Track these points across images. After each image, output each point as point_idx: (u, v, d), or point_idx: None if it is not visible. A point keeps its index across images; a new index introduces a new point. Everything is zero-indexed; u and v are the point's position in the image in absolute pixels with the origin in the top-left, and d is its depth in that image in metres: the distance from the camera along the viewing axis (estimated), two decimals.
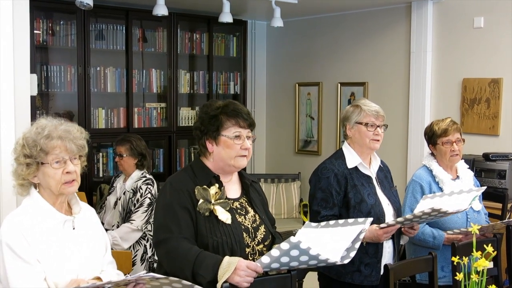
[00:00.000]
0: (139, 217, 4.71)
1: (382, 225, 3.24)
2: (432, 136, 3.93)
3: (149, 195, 4.76)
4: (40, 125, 2.43)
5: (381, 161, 3.61)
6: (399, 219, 3.25)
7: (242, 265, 2.51)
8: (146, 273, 2.20)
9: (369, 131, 3.40)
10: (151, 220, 4.78)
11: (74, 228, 2.49)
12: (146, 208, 4.73)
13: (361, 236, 2.80)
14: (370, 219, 2.89)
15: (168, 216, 2.67)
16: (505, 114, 5.69)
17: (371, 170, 3.49)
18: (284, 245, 2.45)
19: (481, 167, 5.37)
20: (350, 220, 2.91)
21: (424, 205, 3.35)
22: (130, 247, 4.73)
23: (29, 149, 2.38)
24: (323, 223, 2.92)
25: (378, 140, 3.44)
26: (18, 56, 3.60)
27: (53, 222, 2.42)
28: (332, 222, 2.91)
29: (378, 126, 3.42)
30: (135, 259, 4.70)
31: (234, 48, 7.55)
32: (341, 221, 2.90)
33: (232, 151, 2.74)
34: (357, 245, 2.77)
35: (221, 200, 2.73)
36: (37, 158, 2.38)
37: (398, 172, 6.25)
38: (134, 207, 4.74)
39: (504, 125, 5.70)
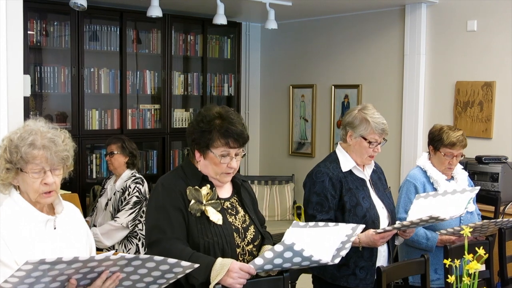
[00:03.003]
0: (123, 215, 4.72)
1: (379, 231, 3.24)
2: (437, 141, 3.90)
3: (136, 194, 4.77)
4: (26, 130, 2.38)
5: (375, 163, 3.61)
6: (396, 225, 3.25)
7: (235, 267, 2.51)
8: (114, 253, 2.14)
9: (370, 148, 3.38)
10: (142, 219, 4.80)
11: (55, 228, 2.44)
12: (131, 206, 4.74)
13: (352, 239, 2.80)
14: (362, 226, 2.89)
15: (160, 217, 2.67)
16: (498, 117, 5.71)
17: (365, 173, 3.49)
18: (278, 247, 2.45)
19: (474, 170, 5.38)
20: (341, 224, 2.90)
21: (418, 206, 3.35)
22: (121, 245, 4.74)
23: (10, 154, 2.33)
24: (311, 223, 2.90)
25: (374, 156, 3.44)
26: (11, 57, 3.58)
27: (34, 222, 2.39)
28: (321, 223, 2.90)
29: (379, 143, 3.41)
30: None
31: (228, 50, 7.56)
32: (331, 224, 2.90)
33: (218, 169, 2.74)
34: (348, 245, 2.77)
35: (213, 201, 2.73)
36: (17, 165, 2.33)
37: (392, 174, 6.26)
38: (121, 204, 4.76)
39: (497, 128, 5.72)
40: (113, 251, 2.20)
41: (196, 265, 2.35)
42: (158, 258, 2.16)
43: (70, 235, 2.51)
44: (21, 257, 2.28)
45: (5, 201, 2.43)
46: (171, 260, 2.19)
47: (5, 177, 2.36)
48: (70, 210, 2.59)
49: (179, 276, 2.31)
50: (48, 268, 1.98)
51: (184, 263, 2.24)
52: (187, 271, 2.31)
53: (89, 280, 2.17)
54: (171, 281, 2.32)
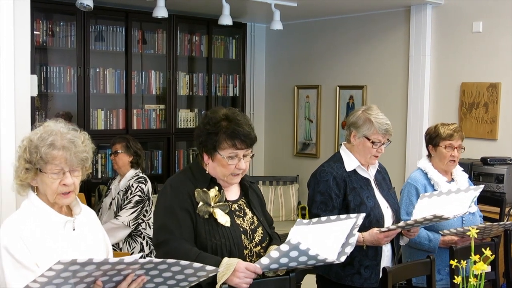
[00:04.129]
0: (124, 213, 4.74)
1: (383, 229, 3.25)
2: (435, 137, 3.93)
3: (138, 193, 4.78)
4: (46, 130, 2.38)
5: (379, 163, 3.62)
6: (400, 223, 3.26)
7: (241, 267, 2.53)
8: (142, 256, 2.15)
9: (373, 148, 3.39)
10: (146, 218, 4.82)
11: (74, 229, 2.46)
12: (133, 205, 4.76)
13: (355, 232, 2.81)
14: (363, 215, 2.90)
15: (168, 217, 2.68)
16: (503, 119, 5.70)
17: (369, 173, 3.50)
18: (284, 247, 2.46)
19: (479, 171, 5.38)
20: (342, 216, 2.91)
21: (422, 206, 3.36)
22: (125, 244, 4.76)
23: (30, 154, 2.34)
24: (314, 220, 2.91)
25: (377, 157, 3.45)
26: (19, 57, 3.59)
27: (53, 223, 2.40)
28: (324, 218, 2.91)
29: (383, 144, 3.42)
30: None
31: (233, 51, 7.57)
32: (333, 217, 2.91)
33: (226, 170, 2.74)
34: (352, 240, 2.78)
35: (221, 203, 2.74)
36: (36, 165, 2.34)
37: (396, 175, 6.26)
38: (123, 203, 4.77)
39: (502, 130, 5.71)
40: (140, 254, 2.19)
41: (220, 270, 2.38)
42: (184, 262, 2.17)
43: (89, 237, 2.52)
44: (41, 259, 2.30)
45: (23, 203, 2.44)
46: (196, 265, 2.20)
47: (24, 177, 2.37)
48: (87, 212, 2.60)
49: (201, 280, 2.32)
50: (78, 269, 1.99)
51: (209, 267, 2.25)
52: (210, 275, 2.32)
53: (114, 283, 2.18)
54: (192, 284, 2.33)
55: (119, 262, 2.07)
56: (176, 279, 2.25)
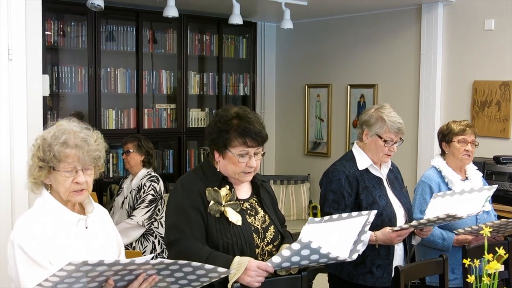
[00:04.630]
0: (139, 213, 4.75)
1: (396, 228, 3.24)
2: (448, 134, 3.92)
3: (152, 192, 4.79)
4: (60, 129, 2.41)
5: (391, 162, 3.60)
6: (413, 223, 3.25)
7: (252, 265, 2.52)
8: (153, 258, 2.16)
9: (386, 147, 3.38)
10: (158, 217, 4.82)
11: (87, 227, 2.47)
12: (147, 204, 4.77)
13: (367, 229, 2.79)
14: (375, 212, 2.89)
15: (179, 217, 2.68)
16: None
17: (381, 172, 3.49)
18: (295, 245, 2.46)
19: (492, 170, 5.35)
20: (354, 213, 2.90)
21: (435, 206, 3.35)
22: (138, 243, 4.77)
23: (43, 153, 2.36)
24: (326, 218, 2.91)
25: (390, 155, 3.44)
26: (31, 57, 3.61)
27: (66, 221, 2.42)
28: (335, 216, 2.90)
29: (395, 142, 3.41)
30: (145, 256, 4.72)
31: (243, 50, 7.56)
32: (344, 215, 2.90)
33: (237, 168, 2.73)
34: (364, 237, 2.76)
35: (232, 202, 2.74)
36: (50, 163, 2.36)
37: (408, 174, 6.23)
38: (137, 202, 4.78)
39: None
40: (152, 255, 2.21)
41: (233, 271, 2.38)
42: (195, 263, 2.18)
43: (101, 235, 2.54)
44: (54, 257, 2.32)
45: (36, 201, 2.46)
46: (208, 266, 2.21)
47: (38, 175, 2.39)
48: (99, 211, 2.62)
49: (213, 280, 2.33)
50: (89, 269, 2.00)
51: (221, 269, 2.26)
52: (222, 276, 2.33)
53: (126, 282, 2.19)
54: (204, 284, 2.33)
55: (130, 263, 2.08)
56: (188, 279, 2.26)
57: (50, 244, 2.33)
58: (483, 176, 4.16)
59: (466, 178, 3.98)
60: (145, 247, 4.79)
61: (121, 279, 2.16)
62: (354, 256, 2.68)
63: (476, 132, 3.97)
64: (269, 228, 2.82)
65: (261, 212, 2.85)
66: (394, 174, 3.61)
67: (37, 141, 2.42)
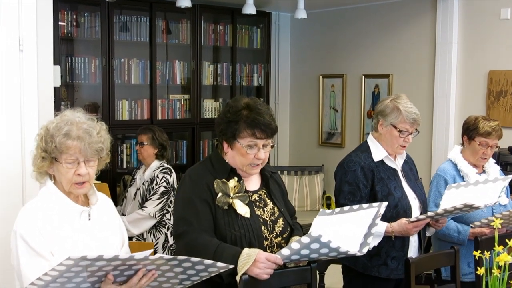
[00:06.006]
0: (151, 204, 4.77)
1: (412, 219, 3.22)
2: (472, 130, 3.84)
3: (164, 184, 4.81)
4: (63, 120, 2.41)
5: (406, 154, 3.58)
6: (430, 213, 3.23)
7: (261, 257, 2.51)
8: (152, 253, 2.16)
9: (400, 138, 3.36)
10: (170, 209, 4.84)
11: (90, 219, 2.48)
12: (159, 196, 4.78)
13: (377, 221, 2.77)
14: (385, 203, 2.86)
15: (187, 209, 2.67)
16: None
17: (396, 163, 3.47)
18: (305, 239, 2.44)
19: (507, 160, 5.28)
20: (365, 205, 2.88)
21: (450, 197, 3.31)
22: (150, 234, 4.79)
23: (45, 143, 2.37)
24: (337, 210, 2.89)
25: (405, 146, 3.41)
26: (42, 48, 3.60)
27: (69, 213, 2.42)
28: (346, 208, 2.88)
29: (410, 133, 3.38)
30: (157, 247, 4.76)
31: (257, 40, 7.53)
32: (355, 207, 2.87)
33: (245, 160, 2.71)
34: (374, 229, 2.74)
35: (240, 194, 2.72)
36: (52, 154, 2.36)
37: (423, 165, 6.19)
38: (149, 194, 4.79)
39: None
40: (151, 250, 2.20)
41: (231, 266, 2.37)
42: (195, 259, 2.18)
43: (105, 226, 2.54)
44: (56, 248, 2.33)
45: (40, 190, 2.47)
46: (207, 261, 2.21)
47: (41, 165, 2.40)
48: (104, 201, 2.62)
49: (212, 275, 2.33)
50: (88, 264, 2.01)
51: (220, 264, 2.25)
52: (222, 271, 2.33)
53: (125, 277, 2.19)
54: (204, 278, 2.34)
55: (129, 258, 2.08)
56: (187, 274, 2.26)
57: (53, 235, 2.34)
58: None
59: (483, 171, 3.93)
60: (158, 239, 4.81)
61: (121, 274, 2.16)
62: (364, 250, 2.66)
63: (501, 135, 3.85)
64: (278, 220, 2.80)
65: (270, 204, 2.83)
66: (409, 166, 3.59)
67: (41, 131, 2.43)
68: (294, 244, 2.49)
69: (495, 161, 4.05)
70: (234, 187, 2.71)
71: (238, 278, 2.49)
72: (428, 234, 3.54)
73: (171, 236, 4.84)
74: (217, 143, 2.87)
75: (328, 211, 2.88)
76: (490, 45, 5.90)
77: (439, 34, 6.27)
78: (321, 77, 7.74)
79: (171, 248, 4.82)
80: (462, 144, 3.96)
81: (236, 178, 2.74)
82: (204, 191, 2.68)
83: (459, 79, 6.19)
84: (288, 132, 8.22)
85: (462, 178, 3.85)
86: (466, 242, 3.72)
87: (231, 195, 2.69)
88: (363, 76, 7.20)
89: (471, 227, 3.71)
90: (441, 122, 6.28)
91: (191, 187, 2.71)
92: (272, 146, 2.78)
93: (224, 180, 2.71)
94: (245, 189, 2.76)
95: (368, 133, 3.56)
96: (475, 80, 6.04)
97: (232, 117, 2.71)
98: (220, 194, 2.67)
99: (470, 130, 3.87)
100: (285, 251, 2.52)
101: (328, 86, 7.68)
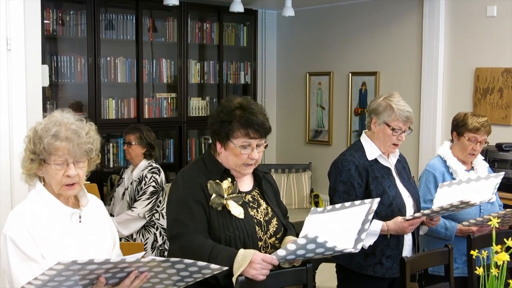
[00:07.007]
0: (140, 205, 4.73)
1: (408, 217, 3.22)
2: (461, 126, 3.86)
3: (153, 183, 4.77)
4: (52, 121, 2.37)
5: (399, 152, 3.58)
6: (426, 211, 3.23)
7: (257, 258, 2.49)
8: (145, 255, 2.14)
9: (393, 136, 3.35)
10: (159, 209, 4.80)
11: (80, 221, 2.44)
12: (148, 196, 4.74)
13: (370, 217, 2.76)
14: (378, 200, 2.84)
15: (181, 210, 2.64)
16: None
17: (390, 162, 3.47)
18: (301, 240, 2.42)
19: (494, 157, 5.32)
20: (357, 202, 2.86)
21: (443, 195, 3.32)
22: (139, 235, 4.76)
23: (34, 145, 2.33)
24: (329, 207, 2.87)
25: (397, 145, 3.41)
26: (30, 48, 3.58)
27: (59, 215, 2.38)
28: (338, 205, 2.86)
29: (404, 131, 3.38)
30: (146, 247, 4.72)
31: (244, 38, 7.52)
32: (347, 204, 2.86)
33: (238, 160, 2.68)
34: (367, 225, 2.73)
35: (234, 195, 2.70)
36: (40, 156, 2.32)
37: (410, 163, 6.15)
38: (138, 194, 4.76)
39: None
40: (143, 253, 2.18)
41: (225, 268, 2.34)
42: (188, 261, 2.15)
43: (95, 228, 2.50)
44: (47, 251, 2.29)
45: (30, 193, 2.43)
46: (201, 263, 2.18)
47: (29, 167, 2.36)
48: (94, 203, 2.59)
49: (206, 276, 2.30)
50: (79, 268, 1.98)
51: (214, 266, 2.22)
52: (216, 273, 2.30)
53: (118, 279, 2.16)
54: (198, 280, 2.31)
55: (121, 261, 2.06)
56: (180, 275, 2.23)
57: (43, 238, 2.30)
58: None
59: (472, 168, 3.94)
60: (147, 239, 4.77)
61: (113, 276, 2.13)
62: (359, 246, 2.65)
63: (490, 131, 3.87)
64: (272, 221, 2.78)
65: (264, 205, 2.81)
66: (402, 164, 3.59)
67: (29, 133, 2.39)
68: (290, 245, 2.47)
69: (483, 158, 4.06)
70: (228, 188, 2.69)
71: (234, 279, 2.48)
72: (421, 232, 3.55)
73: (160, 236, 4.80)
74: (210, 143, 2.84)
75: (319, 209, 2.86)
76: (476, 42, 5.92)
77: (426, 32, 6.28)
78: (308, 74, 7.74)
79: (160, 248, 4.78)
80: (452, 140, 3.97)
81: (229, 179, 2.72)
82: (197, 192, 2.65)
83: (446, 77, 6.21)
84: (275, 130, 8.19)
85: (451, 174, 3.86)
86: (453, 238, 3.73)
87: (225, 196, 2.66)
88: (350, 74, 7.19)
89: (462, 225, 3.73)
90: (428, 119, 6.29)
91: (184, 188, 2.68)
92: (266, 146, 2.76)
93: (217, 181, 2.69)
94: (239, 190, 2.74)
95: (356, 131, 3.56)
96: (462, 77, 6.06)
97: (225, 117, 2.68)
98: (214, 195, 2.65)
99: (459, 126, 3.88)
100: (281, 252, 2.50)
101: (315, 83, 7.68)
